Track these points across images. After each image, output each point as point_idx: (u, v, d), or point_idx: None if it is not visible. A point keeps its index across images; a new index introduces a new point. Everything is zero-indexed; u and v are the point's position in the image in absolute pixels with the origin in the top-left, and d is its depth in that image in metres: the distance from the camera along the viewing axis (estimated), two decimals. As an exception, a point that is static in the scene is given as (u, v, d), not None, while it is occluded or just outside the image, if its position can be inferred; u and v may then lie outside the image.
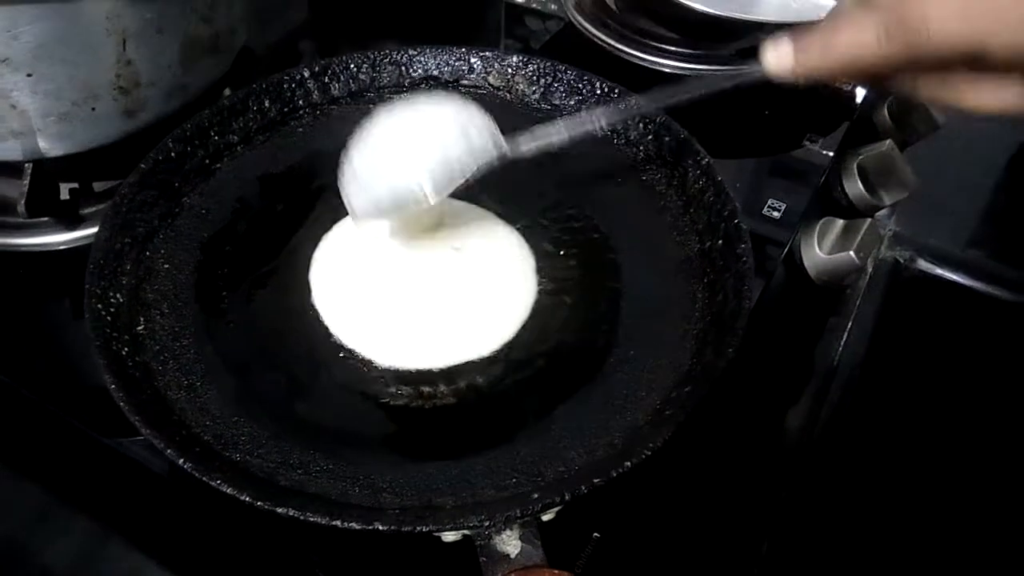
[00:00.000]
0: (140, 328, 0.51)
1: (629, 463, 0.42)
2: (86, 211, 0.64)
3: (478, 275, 0.54)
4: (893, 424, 0.70)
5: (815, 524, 0.62)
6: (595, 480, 0.42)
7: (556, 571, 0.39)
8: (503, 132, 0.52)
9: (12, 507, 0.53)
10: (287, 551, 0.48)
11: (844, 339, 0.71)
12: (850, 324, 0.73)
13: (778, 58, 0.43)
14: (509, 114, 0.65)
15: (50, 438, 0.56)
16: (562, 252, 0.57)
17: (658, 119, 0.60)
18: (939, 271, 0.80)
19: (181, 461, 0.42)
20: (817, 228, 0.67)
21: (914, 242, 0.81)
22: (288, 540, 0.48)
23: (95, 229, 0.55)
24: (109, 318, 0.50)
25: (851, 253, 0.65)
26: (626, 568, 0.50)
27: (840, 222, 0.67)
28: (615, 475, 0.42)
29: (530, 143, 0.52)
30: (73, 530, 0.52)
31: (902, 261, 0.80)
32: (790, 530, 0.60)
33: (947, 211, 0.85)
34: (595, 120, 0.53)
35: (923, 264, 0.80)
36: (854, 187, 0.70)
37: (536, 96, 0.65)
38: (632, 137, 0.62)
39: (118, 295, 0.51)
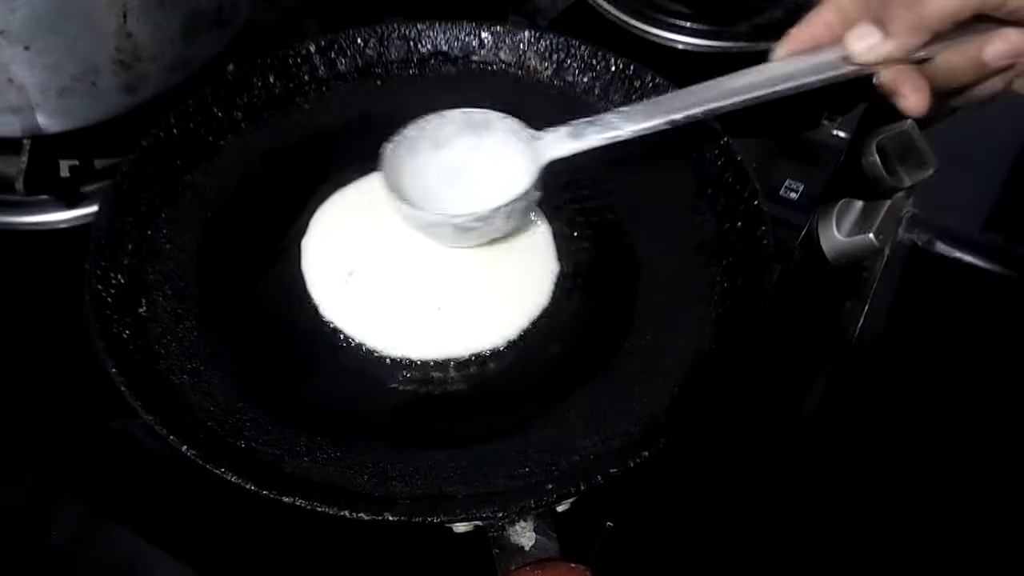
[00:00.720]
0: (142, 310, 0.49)
1: (647, 452, 0.41)
2: (87, 189, 0.62)
3: (495, 258, 0.52)
4: (911, 408, 0.68)
5: (831, 510, 0.61)
6: (611, 470, 0.41)
7: (573, 565, 0.37)
8: (520, 113, 0.51)
9: (11, 489, 0.52)
10: (293, 537, 0.47)
11: (861, 322, 0.70)
12: (867, 307, 0.71)
13: (870, 46, 0.44)
14: (521, 92, 0.63)
15: (49, 420, 0.55)
16: (576, 233, 0.55)
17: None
18: (957, 254, 0.79)
19: (184, 448, 0.41)
20: (836, 210, 0.66)
21: (932, 225, 0.79)
22: (294, 526, 0.47)
23: (96, 207, 0.53)
24: (110, 300, 0.48)
25: (870, 235, 0.64)
26: (639, 559, 0.49)
27: (859, 203, 0.66)
28: (632, 465, 0.41)
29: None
30: (72, 512, 0.51)
31: (920, 244, 0.78)
32: (806, 517, 0.59)
33: (965, 193, 0.83)
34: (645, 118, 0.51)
35: (941, 247, 0.79)
36: (873, 168, 0.69)
37: (549, 72, 0.63)
38: (647, 115, 0.60)
39: (119, 276, 0.50)
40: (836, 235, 0.65)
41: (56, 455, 0.53)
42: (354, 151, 0.59)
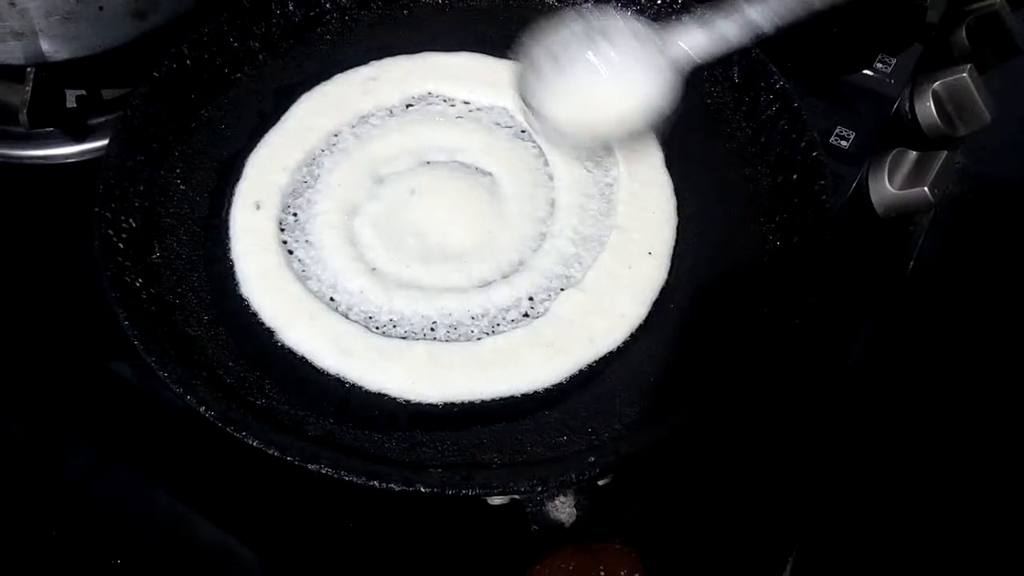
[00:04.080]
0: (155, 256, 0.46)
1: (693, 422, 0.38)
2: (95, 121, 0.59)
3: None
4: (955, 364, 0.65)
5: (875, 465, 0.59)
6: (656, 439, 0.38)
7: (619, 546, 0.35)
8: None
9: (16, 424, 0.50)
10: (314, 497, 0.45)
11: (906, 278, 0.66)
12: (912, 263, 0.68)
13: None
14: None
15: (52, 362, 0.52)
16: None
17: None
18: (1008, 208, 0.75)
19: (203, 409, 0.38)
20: (888, 160, 0.62)
21: (982, 177, 0.75)
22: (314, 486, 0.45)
23: (105, 141, 0.50)
24: (121, 245, 0.45)
25: (925, 189, 0.60)
26: (675, 533, 0.47)
27: (913, 154, 0.62)
28: (679, 434, 0.38)
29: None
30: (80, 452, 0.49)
31: (969, 196, 0.74)
32: (850, 475, 0.56)
33: (1018, 143, 0.79)
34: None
35: (991, 200, 0.75)
36: (927, 115, 0.64)
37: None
38: (696, 55, 0.56)
39: (131, 219, 0.47)
40: (888, 187, 0.61)
41: (61, 395, 0.51)
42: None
